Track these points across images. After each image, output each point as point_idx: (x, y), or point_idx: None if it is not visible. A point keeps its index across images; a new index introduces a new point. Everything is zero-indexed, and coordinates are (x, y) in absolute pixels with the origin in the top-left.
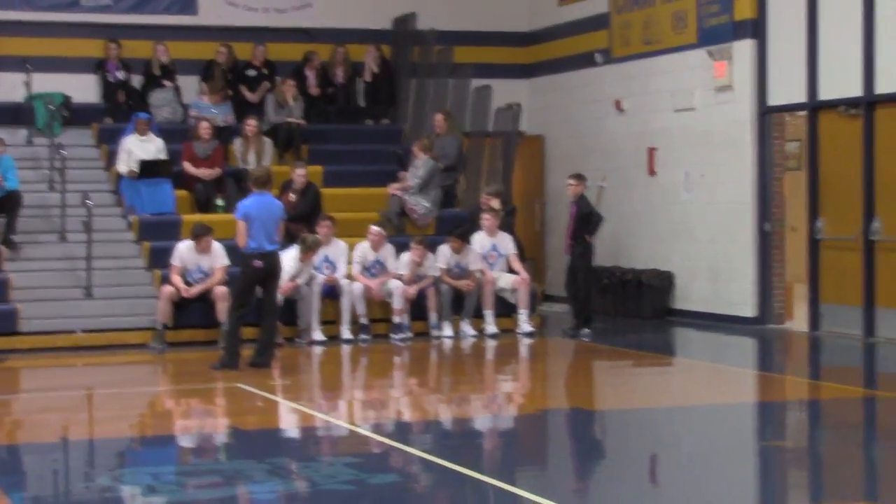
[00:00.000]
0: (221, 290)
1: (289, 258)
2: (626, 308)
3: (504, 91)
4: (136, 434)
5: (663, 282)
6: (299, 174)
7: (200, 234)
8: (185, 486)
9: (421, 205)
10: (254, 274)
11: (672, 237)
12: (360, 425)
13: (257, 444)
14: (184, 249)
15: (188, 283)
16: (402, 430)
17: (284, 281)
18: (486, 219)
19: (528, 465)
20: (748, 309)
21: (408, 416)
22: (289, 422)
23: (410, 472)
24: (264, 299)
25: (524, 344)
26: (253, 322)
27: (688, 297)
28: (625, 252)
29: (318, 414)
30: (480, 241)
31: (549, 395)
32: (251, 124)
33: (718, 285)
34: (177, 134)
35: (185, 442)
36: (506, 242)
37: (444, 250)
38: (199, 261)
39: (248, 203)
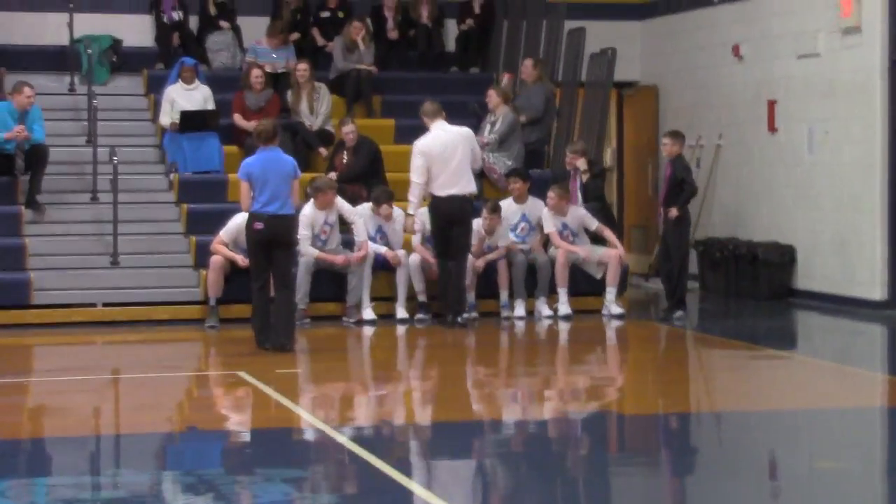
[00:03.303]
0: None
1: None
2: (739, 287)
3: (614, 34)
4: (68, 434)
5: (783, 257)
6: (347, 131)
7: None
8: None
9: (502, 163)
10: (255, 239)
11: (794, 205)
12: (345, 430)
13: (201, 450)
14: (238, 225)
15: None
16: (390, 438)
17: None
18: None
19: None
20: (877, 290)
21: (418, 417)
22: (259, 422)
23: (360, 492)
24: (274, 271)
25: (604, 328)
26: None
27: (810, 274)
28: (742, 221)
29: (303, 413)
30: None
31: (582, 398)
32: (301, 69)
33: (843, 262)
34: (235, 82)
35: (113, 444)
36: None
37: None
38: None
39: (250, 161)
